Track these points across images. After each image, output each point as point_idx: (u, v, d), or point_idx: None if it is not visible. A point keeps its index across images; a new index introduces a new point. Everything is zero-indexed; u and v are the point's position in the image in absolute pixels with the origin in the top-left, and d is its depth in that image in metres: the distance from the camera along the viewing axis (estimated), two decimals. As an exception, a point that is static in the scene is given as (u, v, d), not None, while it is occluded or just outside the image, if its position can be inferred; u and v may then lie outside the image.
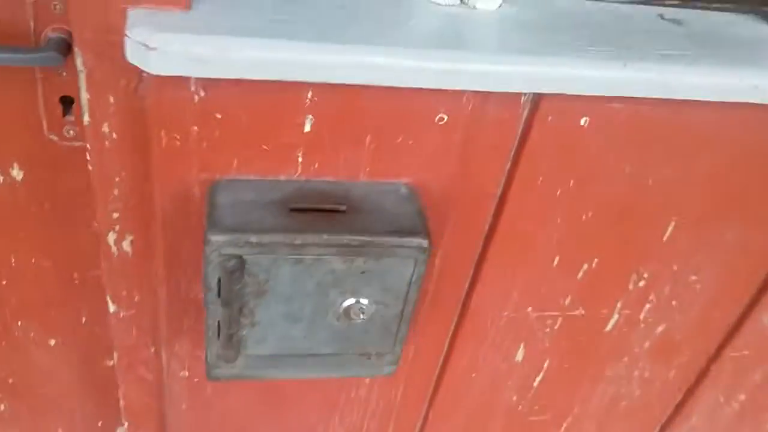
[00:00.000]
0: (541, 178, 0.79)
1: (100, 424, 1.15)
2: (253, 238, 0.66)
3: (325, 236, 0.67)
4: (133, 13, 0.61)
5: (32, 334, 0.99)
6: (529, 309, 0.92)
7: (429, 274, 0.85)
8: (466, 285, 0.88)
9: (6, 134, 0.78)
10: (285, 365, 0.77)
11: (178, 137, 0.68)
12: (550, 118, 0.74)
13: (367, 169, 0.74)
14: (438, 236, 0.80)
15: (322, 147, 0.71)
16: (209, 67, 0.60)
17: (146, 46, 0.59)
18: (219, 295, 0.69)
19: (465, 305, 0.91)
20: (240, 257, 0.67)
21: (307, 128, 0.70)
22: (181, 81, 0.64)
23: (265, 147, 0.70)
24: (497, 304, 0.91)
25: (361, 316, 0.73)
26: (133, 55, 0.60)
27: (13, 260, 0.90)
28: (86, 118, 0.70)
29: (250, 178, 0.72)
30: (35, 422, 1.11)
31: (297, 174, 0.73)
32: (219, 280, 0.68)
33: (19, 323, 0.98)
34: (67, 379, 1.06)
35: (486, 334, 0.94)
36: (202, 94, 0.65)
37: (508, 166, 0.78)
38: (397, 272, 0.71)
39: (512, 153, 0.77)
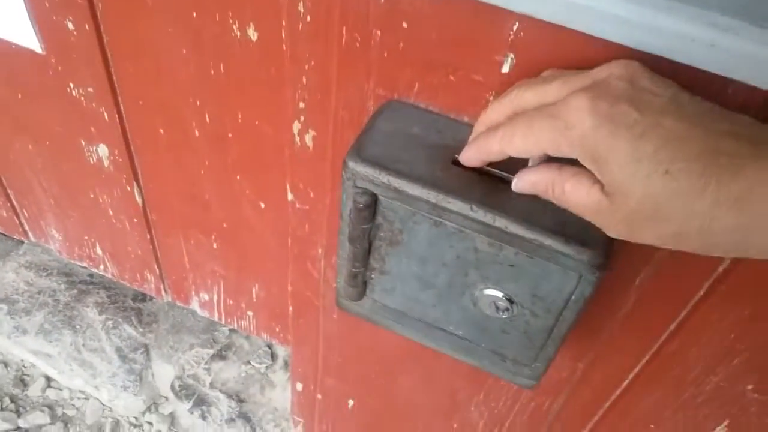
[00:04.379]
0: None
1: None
2: (393, 181, 0.55)
3: (473, 207, 0.53)
4: None
5: (247, 192, 1.02)
6: (750, 387, 0.68)
7: (626, 291, 0.66)
8: (673, 325, 0.67)
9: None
10: (412, 327, 0.67)
11: (358, 38, 0.58)
12: None
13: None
14: (640, 251, 0.61)
15: (519, 97, 0.55)
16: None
17: None
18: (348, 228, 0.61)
19: (662, 348, 0.70)
20: (374, 195, 0.57)
21: (506, 69, 0.54)
22: (368, -28, 0.53)
23: (452, 78, 0.57)
24: (707, 362, 0.68)
25: (502, 315, 0.59)
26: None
27: (239, 116, 0.91)
28: (282, -8, 0.63)
29: (428, 109, 0.60)
30: (238, 268, 1.16)
31: (481, 120, 0.59)
32: (350, 213, 0.59)
33: (238, 177, 1.00)
34: (269, 243, 1.08)
35: (681, 392, 0.73)
36: (390, -6, 0.54)
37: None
38: (554, 282, 0.54)
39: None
